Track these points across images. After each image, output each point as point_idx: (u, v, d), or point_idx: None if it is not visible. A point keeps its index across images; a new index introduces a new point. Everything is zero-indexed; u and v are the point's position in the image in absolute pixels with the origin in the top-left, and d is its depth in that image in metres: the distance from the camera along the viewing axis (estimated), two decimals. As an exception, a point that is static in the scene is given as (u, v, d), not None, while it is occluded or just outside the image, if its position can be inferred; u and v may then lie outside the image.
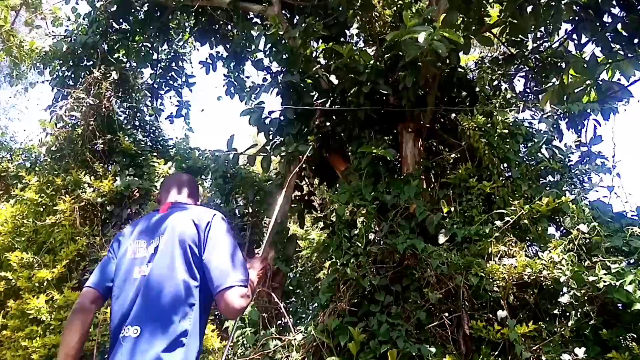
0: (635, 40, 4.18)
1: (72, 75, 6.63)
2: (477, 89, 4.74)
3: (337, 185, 5.02)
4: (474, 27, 4.42)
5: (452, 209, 3.87)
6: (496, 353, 3.11)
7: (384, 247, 3.81)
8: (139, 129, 6.98)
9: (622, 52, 4.31)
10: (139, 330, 1.72)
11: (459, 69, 4.92)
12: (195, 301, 1.79)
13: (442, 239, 3.71)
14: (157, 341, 1.69)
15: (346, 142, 4.89)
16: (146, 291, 1.79)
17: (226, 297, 1.75)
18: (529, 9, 4.26)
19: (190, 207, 2.05)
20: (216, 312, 4.71)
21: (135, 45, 6.80)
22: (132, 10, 6.57)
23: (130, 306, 1.79)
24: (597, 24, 4.19)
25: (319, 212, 5.72)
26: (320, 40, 5.11)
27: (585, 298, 3.09)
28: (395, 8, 5.24)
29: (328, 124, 4.98)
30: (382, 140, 4.40)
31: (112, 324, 1.83)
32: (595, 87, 4.63)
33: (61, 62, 6.61)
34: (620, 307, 3.06)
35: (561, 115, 4.29)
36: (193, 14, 6.48)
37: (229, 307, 1.75)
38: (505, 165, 4.06)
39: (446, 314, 3.41)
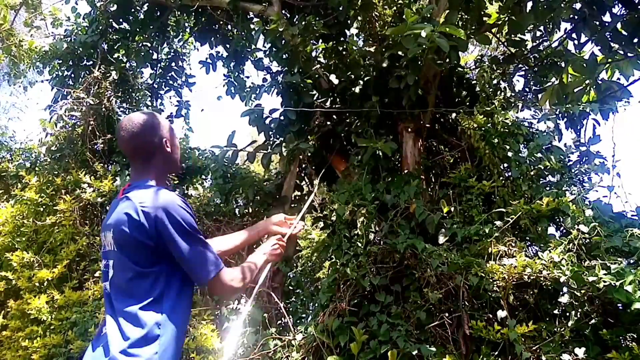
0: (635, 40, 4.18)
1: (72, 75, 6.63)
2: (477, 89, 4.75)
3: (337, 185, 5.02)
4: (473, 27, 4.42)
5: (452, 208, 3.87)
6: (496, 353, 3.11)
7: (384, 247, 3.81)
8: (139, 129, 6.96)
9: (621, 52, 4.31)
10: (111, 322, 1.71)
11: (459, 69, 4.93)
12: (156, 289, 1.71)
13: (442, 239, 3.71)
14: (125, 334, 1.66)
15: (346, 142, 4.89)
16: (112, 287, 1.79)
17: (212, 290, 1.80)
18: (529, 5, 4.27)
19: (138, 193, 1.78)
20: (216, 312, 4.71)
21: (135, 45, 6.79)
22: (132, 10, 6.57)
23: (106, 298, 1.80)
24: (597, 22, 4.19)
25: (319, 212, 5.71)
26: (320, 40, 5.11)
27: (585, 298, 3.09)
28: (395, 8, 5.24)
29: (328, 123, 4.99)
30: (382, 139, 4.41)
31: None
32: (594, 87, 4.63)
33: (61, 61, 6.60)
34: (620, 307, 3.05)
35: (560, 115, 4.29)
36: (193, 14, 6.48)
37: (220, 295, 1.87)
38: (505, 165, 4.06)
39: (446, 314, 3.41)
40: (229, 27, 6.56)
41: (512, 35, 4.77)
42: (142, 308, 1.68)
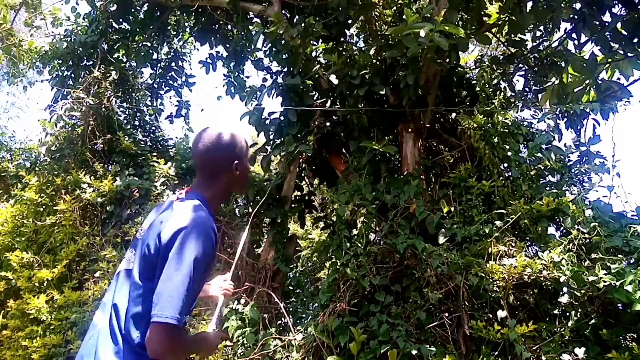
0: (635, 40, 4.17)
1: (72, 75, 6.63)
2: (477, 89, 4.74)
3: (337, 185, 5.02)
4: (473, 27, 4.42)
5: (452, 208, 3.87)
6: (496, 353, 3.11)
7: (384, 247, 3.81)
8: (139, 129, 6.97)
9: (621, 52, 4.31)
10: (104, 317, 1.67)
11: (459, 68, 4.92)
12: (144, 305, 1.62)
13: (442, 239, 3.71)
14: (114, 346, 1.61)
15: (346, 142, 4.89)
16: (124, 277, 1.73)
17: (149, 331, 1.54)
18: (529, 5, 4.27)
19: (185, 205, 1.75)
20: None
21: (135, 45, 6.80)
22: (132, 10, 6.57)
23: (114, 281, 1.75)
24: (597, 22, 4.19)
25: (319, 212, 5.72)
26: (320, 40, 5.11)
27: (585, 298, 3.09)
28: (395, 8, 5.24)
29: (328, 124, 4.98)
30: (382, 140, 4.40)
31: None
32: (594, 87, 4.63)
33: (61, 61, 6.61)
34: (620, 307, 3.06)
35: (560, 115, 4.28)
36: (193, 14, 6.48)
37: (147, 344, 1.54)
38: (505, 165, 4.06)
39: (446, 314, 3.41)
40: (229, 27, 6.56)
41: (512, 35, 4.77)
42: (133, 317, 1.63)
